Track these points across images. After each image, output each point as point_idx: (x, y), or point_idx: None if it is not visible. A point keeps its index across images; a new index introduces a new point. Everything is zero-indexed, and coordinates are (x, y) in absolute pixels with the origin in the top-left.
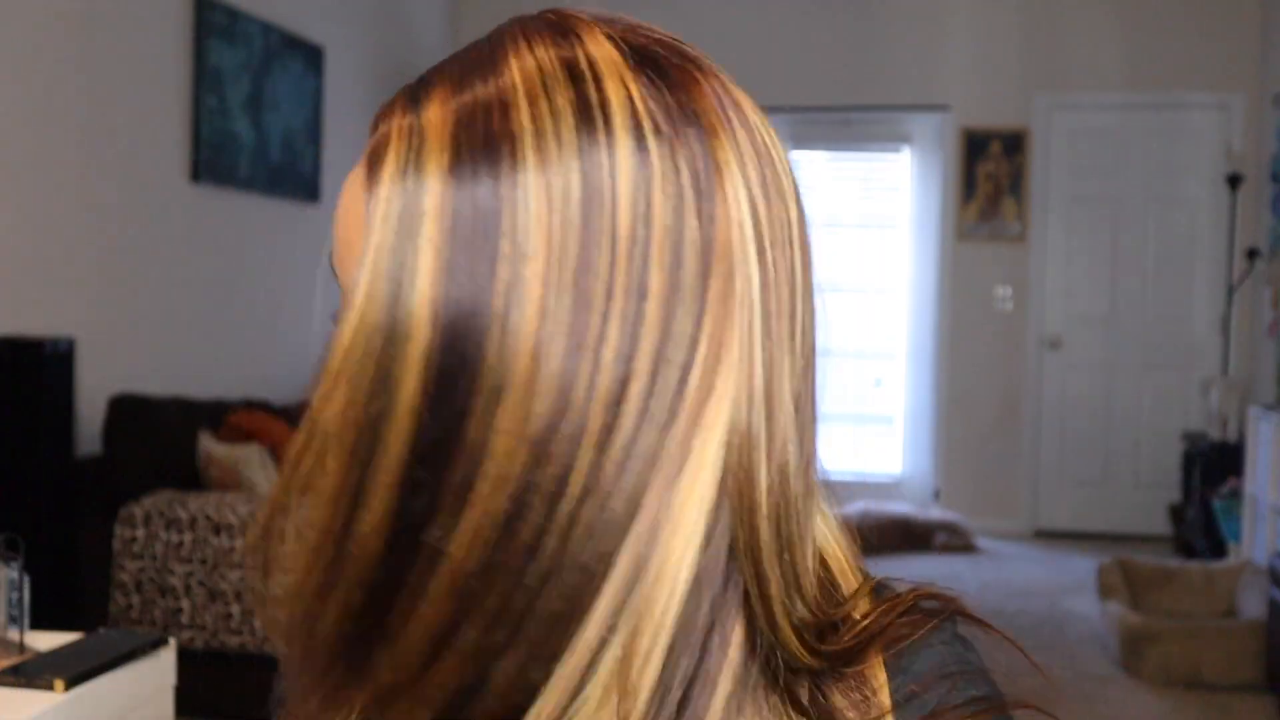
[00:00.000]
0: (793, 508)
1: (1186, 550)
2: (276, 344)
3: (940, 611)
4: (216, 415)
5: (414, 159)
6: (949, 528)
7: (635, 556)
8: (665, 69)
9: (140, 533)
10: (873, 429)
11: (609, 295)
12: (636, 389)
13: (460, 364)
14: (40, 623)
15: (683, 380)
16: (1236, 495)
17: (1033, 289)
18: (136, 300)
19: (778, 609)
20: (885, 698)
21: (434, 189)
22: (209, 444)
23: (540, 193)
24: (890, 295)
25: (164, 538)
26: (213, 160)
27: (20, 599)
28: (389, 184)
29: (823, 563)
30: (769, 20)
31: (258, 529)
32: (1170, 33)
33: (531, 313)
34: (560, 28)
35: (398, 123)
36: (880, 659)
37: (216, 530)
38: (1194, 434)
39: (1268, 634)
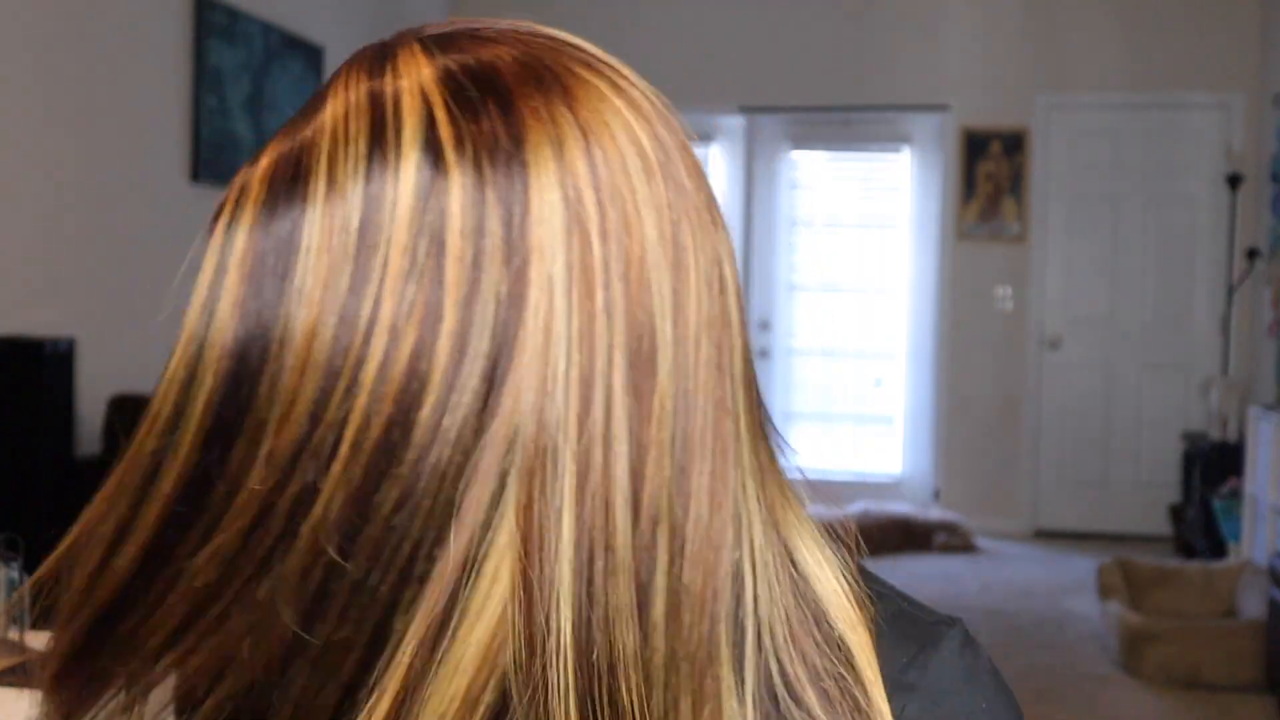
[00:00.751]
0: (623, 538)
1: (1186, 550)
2: None
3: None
4: None
5: (237, 206)
6: (949, 528)
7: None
8: (495, 83)
9: None
10: (873, 429)
11: (373, 319)
12: (430, 398)
13: (239, 400)
14: (40, 623)
15: (488, 392)
16: (1236, 495)
17: (1033, 289)
18: (136, 300)
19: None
20: None
21: (244, 230)
22: None
23: (324, 224)
24: (890, 295)
25: None
26: (213, 160)
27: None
28: (219, 233)
29: (827, 622)
30: (769, 20)
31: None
32: (1170, 33)
33: (302, 341)
34: (380, 56)
35: (239, 178)
36: (879, 681)
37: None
38: (1194, 434)
39: (1268, 634)
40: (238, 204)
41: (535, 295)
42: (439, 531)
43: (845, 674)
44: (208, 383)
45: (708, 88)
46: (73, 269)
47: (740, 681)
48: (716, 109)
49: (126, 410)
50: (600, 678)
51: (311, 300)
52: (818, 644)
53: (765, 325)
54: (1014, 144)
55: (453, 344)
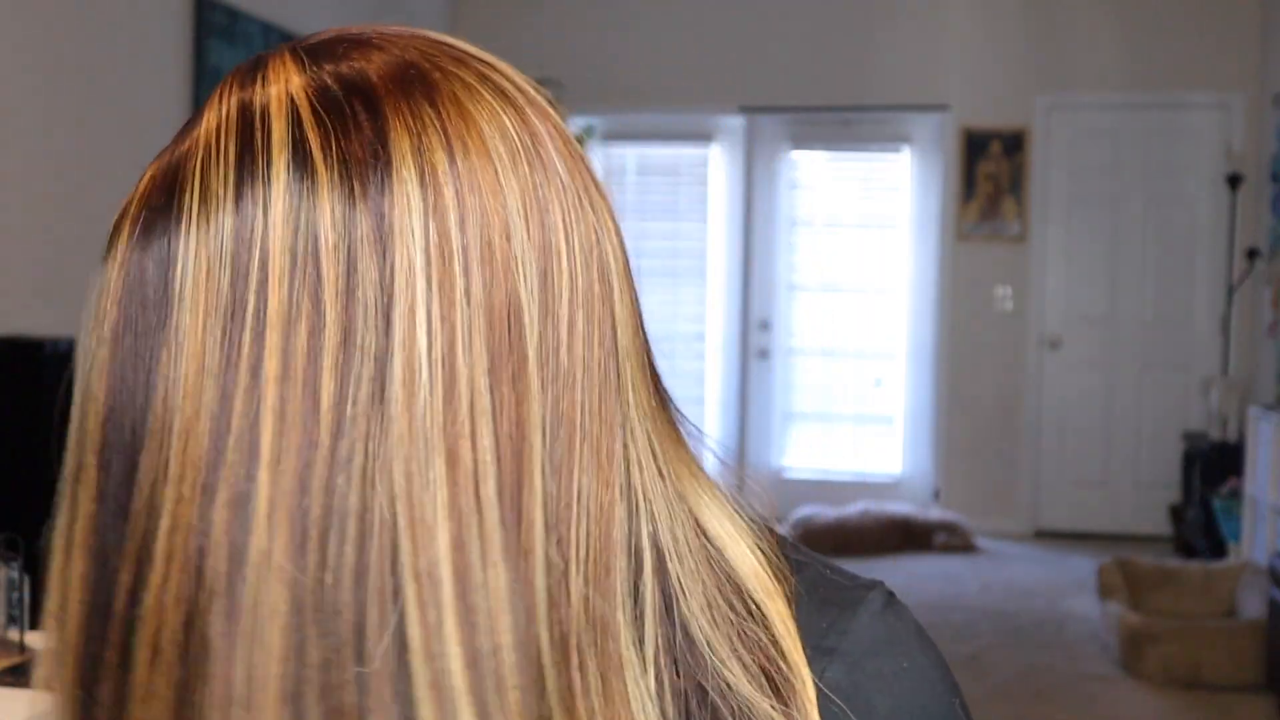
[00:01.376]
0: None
1: (1186, 550)
2: None
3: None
4: None
5: (116, 230)
6: (949, 528)
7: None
8: (361, 87)
9: None
10: (873, 429)
11: (260, 318)
12: (324, 401)
13: (129, 425)
14: (40, 623)
15: (383, 385)
16: (1236, 495)
17: (1033, 289)
18: None
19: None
20: (810, 691)
21: (119, 257)
22: None
23: (199, 250)
24: (890, 295)
25: None
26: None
27: (20, 599)
28: (105, 261)
29: (742, 592)
30: (769, 20)
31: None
32: (1170, 33)
33: (190, 361)
34: (253, 69)
35: (126, 199)
36: (798, 646)
37: None
38: (1194, 434)
39: (1268, 634)
40: (119, 224)
41: (401, 284)
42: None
43: (764, 640)
44: (97, 412)
45: (708, 88)
46: (73, 269)
47: (641, 656)
48: (716, 109)
49: None
50: (485, 667)
51: (192, 332)
52: (734, 611)
53: (765, 325)
54: (1014, 144)
55: (341, 337)
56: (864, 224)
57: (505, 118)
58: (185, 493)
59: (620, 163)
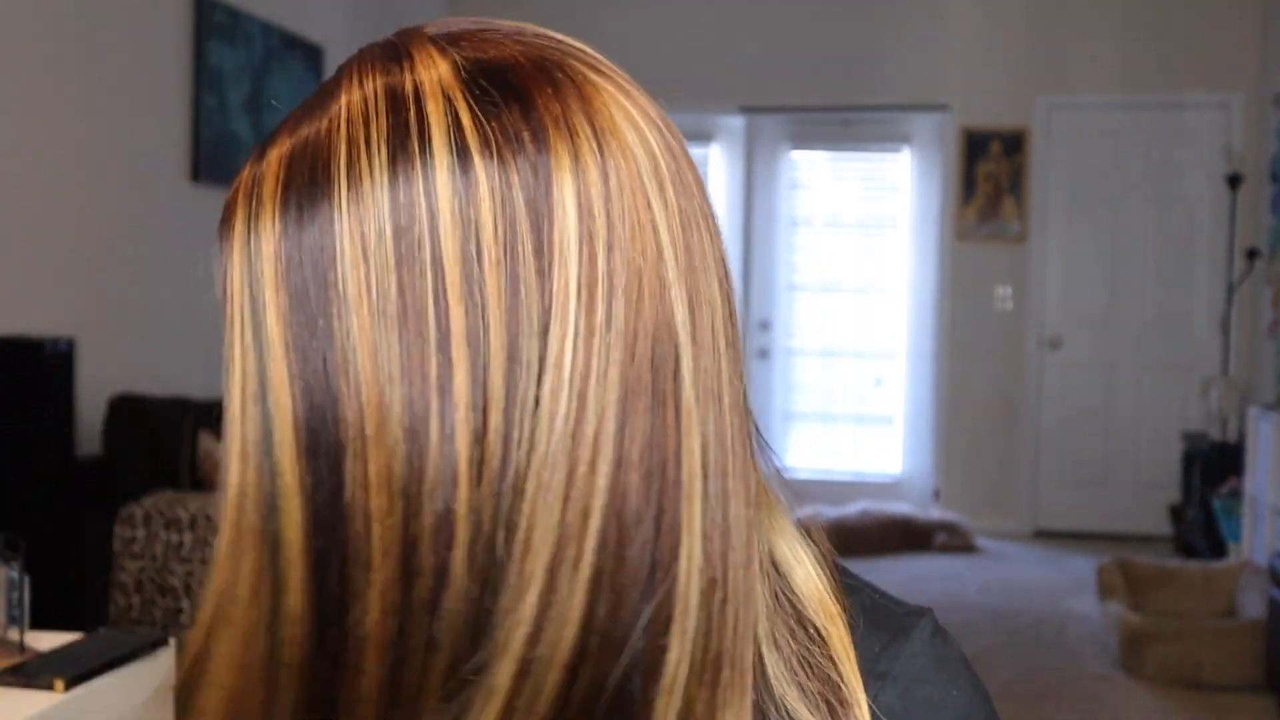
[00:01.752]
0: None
1: (1186, 550)
2: None
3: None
4: (216, 415)
5: (254, 209)
6: (949, 528)
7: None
8: (512, 83)
9: (140, 533)
10: (873, 429)
11: (442, 330)
12: (495, 417)
13: (324, 427)
14: (40, 623)
15: (538, 400)
16: (1236, 495)
17: (1033, 289)
18: (136, 300)
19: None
20: (865, 715)
21: (269, 240)
22: (209, 444)
23: (354, 233)
24: (890, 295)
25: (164, 538)
26: (213, 160)
27: (20, 599)
28: (238, 243)
29: (804, 616)
30: (769, 20)
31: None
32: (1170, 33)
33: (367, 362)
34: (394, 52)
35: (245, 175)
36: (857, 674)
37: (217, 530)
38: (1194, 434)
39: (1268, 634)
40: (256, 206)
41: (558, 302)
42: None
43: (824, 665)
44: (286, 409)
45: (708, 88)
46: (73, 269)
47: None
48: (716, 109)
49: (126, 410)
50: (628, 694)
51: (361, 319)
52: (795, 637)
53: (765, 325)
54: (1014, 144)
55: (506, 350)
56: (864, 224)
57: (649, 135)
58: (385, 504)
59: None
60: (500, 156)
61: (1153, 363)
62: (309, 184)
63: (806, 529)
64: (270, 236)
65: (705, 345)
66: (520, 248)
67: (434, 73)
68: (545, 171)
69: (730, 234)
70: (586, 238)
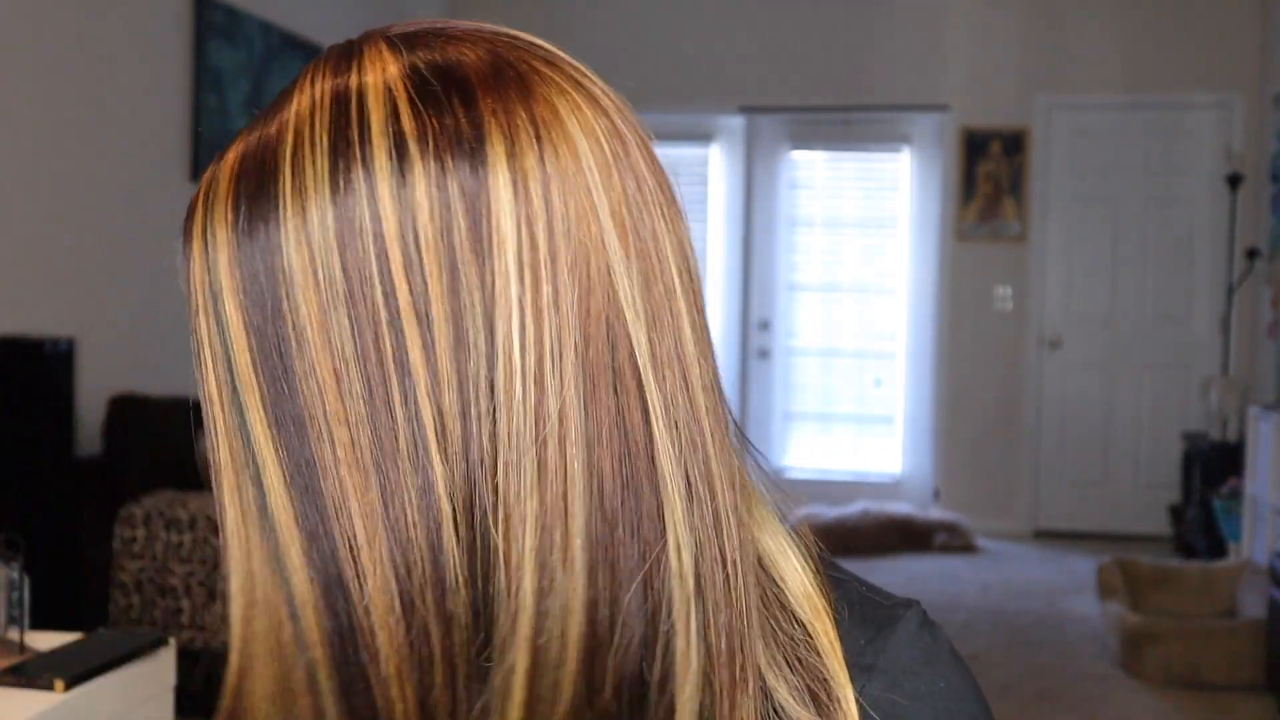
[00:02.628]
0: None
1: (1186, 550)
2: None
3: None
4: None
5: (209, 213)
6: (949, 528)
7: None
8: (458, 80)
9: (140, 533)
10: (872, 429)
11: (391, 310)
12: (449, 396)
13: (288, 412)
14: (40, 623)
15: (492, 383)
16: (1236, 495)
17: (1033, 289)
18: (136, 300)
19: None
20: (853, 708)
21: (223, 244)
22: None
23: (300, 242)
24: (890, 295)
25: (164, 538)
26: (212, 160)
27: (20, 599)
28: (196, 243)
29: (790, 610)
30: (769, 20)
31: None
32: (1170, 33)
33: (325, 370)
34: (346, 54)
35: (208, 174)
36: (843, 668)
37: (216, 530)
38: (1194, 434)
39: (1268, 634)
40: (211, 207)
41: (500, 288)
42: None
43: (810, 659)
44: (259, 417)
45: (708, 88)
46: (72, 269)
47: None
48: (716, 109)
49: (126, 410)
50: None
51: (314, 328)
52: (782, 630)
53: (765, 325)
54: (1014, 144)
55: (453, 336)
56: (864, 224)
57: (595, 123)
58: (360, 480)
59: None
60: (436, 146)
61: (1153, 363)
62: (258, 189)
63: (793, 526)
64: (223, 241)
65: (665, 326)
66: (457, 235)
67: (380, 73)
68: (483, 161)
69: (730, 234)
70: (525, 221)
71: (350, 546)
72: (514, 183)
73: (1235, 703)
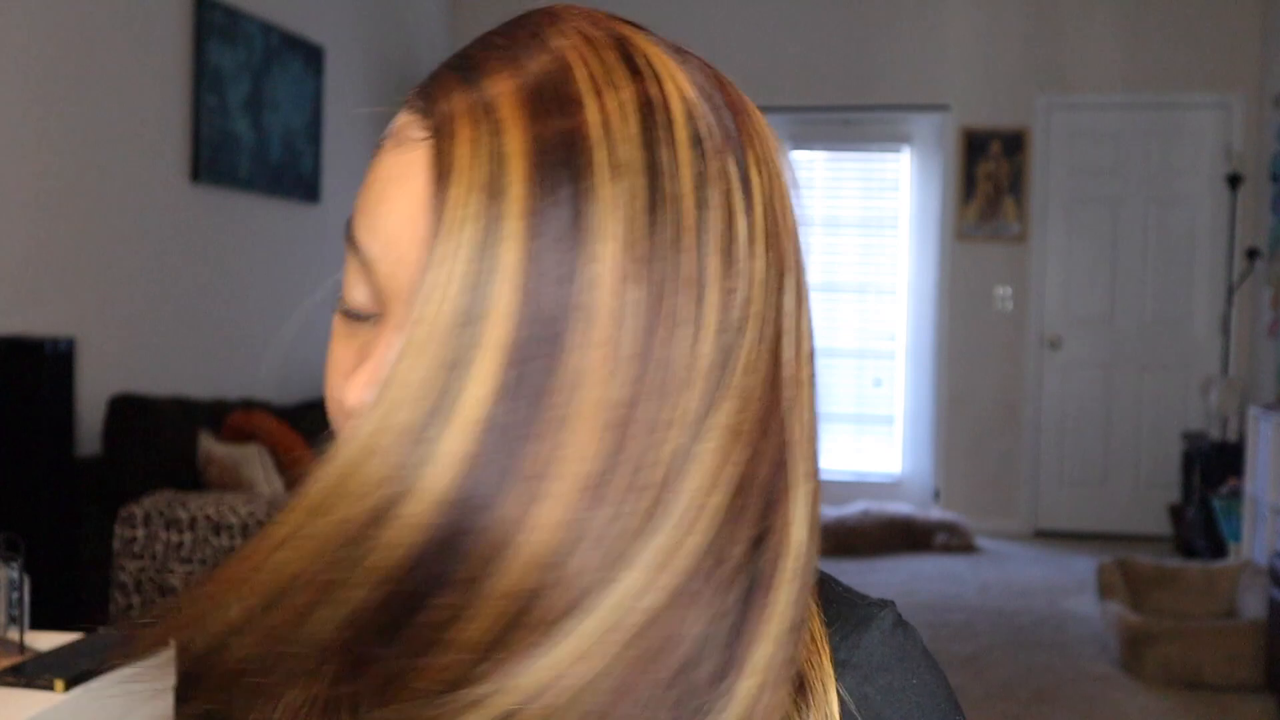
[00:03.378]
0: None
1: (1186, 550)
2: (277, 344)
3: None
4: (216, 415)
5: (495, 159)
6: (949, 528)
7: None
8: (734, 110)
9: (140, 533)
10: (873, 429)
11: (691, 279)
12: (705, 365)
13: (537, 364)
14: (40, 623)
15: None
16: (1236, 495)
17: (1033, 289)
18: (136, 300)
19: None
20: (834, 701)
21: (517, 197)
22: (209, 444)
23: (612, 194)
24: (890, 295)
25: (164, 538)
26: (213, 160)
27: (20, 599)
28: (464, 189)
29: None
30: (770, 20)
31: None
32: (1170, 33)
33: (607, 308)
34: (597, 21)
35: (460, 101)
36: (827, 653)
37: (216, 530)
38: (1194, 434)
39: (1268, 634)
40: (499, 154)
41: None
42: None
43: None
44: (491, 358)
45: None
46: (72, 269)
47: None
48: None
49: (126, 410)
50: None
51: (609, 268)
52: None
53: None
54: (1014, 144)
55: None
56: (864, 224)
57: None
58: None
59: None
60: (718, 141)
61: (1153, 363)
62: (561, 139)
63: None
64: (520, 193)
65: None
66: (736, 225)
67: (655, 49)
68: (743, 161)
69: None
70: (758, 237)
71: None
72: (757, 164)
73: (1235, 703)
